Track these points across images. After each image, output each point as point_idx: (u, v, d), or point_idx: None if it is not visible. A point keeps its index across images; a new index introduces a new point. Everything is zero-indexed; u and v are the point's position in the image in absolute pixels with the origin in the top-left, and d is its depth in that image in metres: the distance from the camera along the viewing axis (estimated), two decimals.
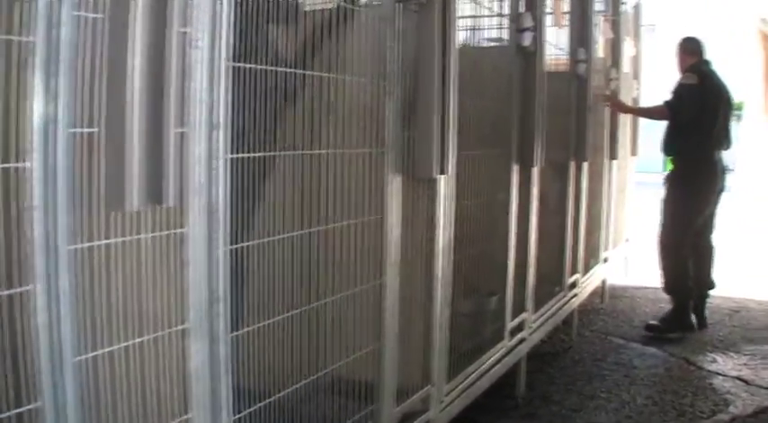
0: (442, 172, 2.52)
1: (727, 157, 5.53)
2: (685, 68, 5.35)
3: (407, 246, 2.51)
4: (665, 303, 5.47)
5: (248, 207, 1.91)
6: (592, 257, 5.35)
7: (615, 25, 5.58)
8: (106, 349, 1.53)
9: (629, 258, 6.87)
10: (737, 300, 6.12)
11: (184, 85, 1.59)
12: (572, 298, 4.70)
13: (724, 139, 5.31)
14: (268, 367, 2.02)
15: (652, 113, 5.64)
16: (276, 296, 2.04)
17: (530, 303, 3.83)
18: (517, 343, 3.69)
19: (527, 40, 3.48)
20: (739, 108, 11.42)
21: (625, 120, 6.16)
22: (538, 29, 3.57)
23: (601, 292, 5.95)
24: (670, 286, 5.32)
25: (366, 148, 2.28)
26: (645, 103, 6.64)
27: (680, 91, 5.24)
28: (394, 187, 2.38)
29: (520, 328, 3.74)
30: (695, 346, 4.85)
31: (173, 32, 1.51)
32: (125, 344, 1.58)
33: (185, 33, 1.59)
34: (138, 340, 1.60)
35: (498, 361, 3.45)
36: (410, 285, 2.60)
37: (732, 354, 4.70)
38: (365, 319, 2.37)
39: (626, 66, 6.12)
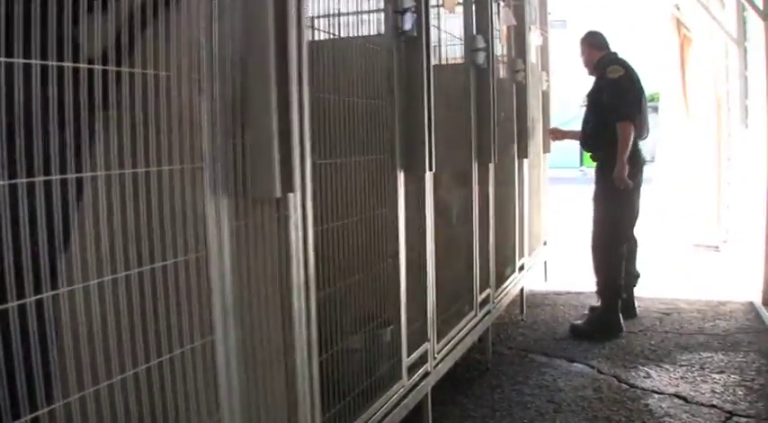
0: (290, 189, 1.95)
1: (644, 147, 5.23)
2: (598, 63, 5.12)
3: (249, 286, 1.94)
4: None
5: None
6: (507, 267, 4.86)
7: (518, 12, 5.12)
8: None
9: (549, 262, 6.44)
10: (666, 300, 5.74)
11: None
12: (485, 316, 4.19)
13: (644, 129, 5.10)
14: None
15: (625, 139, 4.77)
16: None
17: (432, 331, 3.29)
18: (420, 378, 3.16)
19: (408, 23, 2.95)
20: (653, 99, 11.17)
21: (537, 114, 5.72)
22: (422, 11, 3.05)
23: (519, 301, 5.46)
24: (603, 288, 5.04)
25: (174, 164, 1.71)
26: (556, 94, 6.29)
27: (615, 89, 4.89)
28: (219, 213, 1.81)
29: (423, 360, 3.20)
30: (626, 360, 4.39)
31: None
32: None
33: None
34: None
35: (397, 404, 2.91)
36: (260, 335, 2.03)
37: (667, 366, 4.25)
38: (196, 387, 1.81)
39: (533, 56, 5.67)
